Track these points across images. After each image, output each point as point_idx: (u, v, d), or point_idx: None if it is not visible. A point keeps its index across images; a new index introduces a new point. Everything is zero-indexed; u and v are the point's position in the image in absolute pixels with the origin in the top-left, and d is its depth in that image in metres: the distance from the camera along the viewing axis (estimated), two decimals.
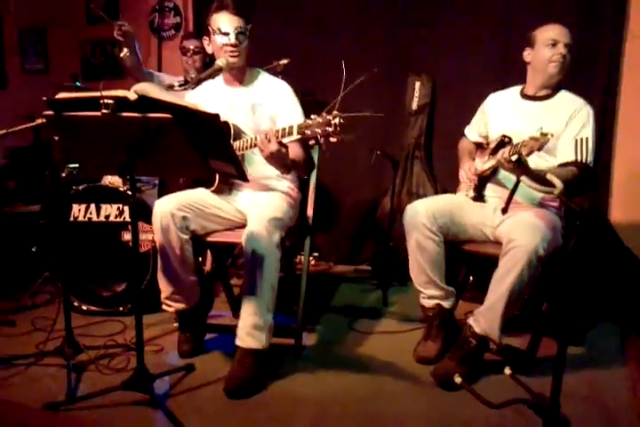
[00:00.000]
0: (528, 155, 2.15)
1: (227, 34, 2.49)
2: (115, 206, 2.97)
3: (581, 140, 2.44)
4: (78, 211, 2.98)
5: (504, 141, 2.54)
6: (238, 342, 2.38)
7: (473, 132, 2.89)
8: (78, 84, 3.14)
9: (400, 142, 3.64)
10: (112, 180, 3.07)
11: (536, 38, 2.55)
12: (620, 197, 3.35)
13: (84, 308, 3.01)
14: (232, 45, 2.50)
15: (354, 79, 2.73)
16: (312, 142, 2.24)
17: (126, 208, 2.96)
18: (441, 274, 2.57)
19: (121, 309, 2.99)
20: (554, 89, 2.59)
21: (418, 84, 3.61)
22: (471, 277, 3.00)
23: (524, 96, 2.65)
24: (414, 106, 3.63)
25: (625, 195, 3.34)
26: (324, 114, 2.17)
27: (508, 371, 2.22)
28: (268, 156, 2.34)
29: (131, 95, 1.86)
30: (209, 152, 2.01)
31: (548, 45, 2.51)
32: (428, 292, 2.61)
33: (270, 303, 2.38)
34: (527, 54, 2.59)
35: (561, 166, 2.47)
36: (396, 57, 3.66)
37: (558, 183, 1.83)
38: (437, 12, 3.55)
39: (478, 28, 3.49)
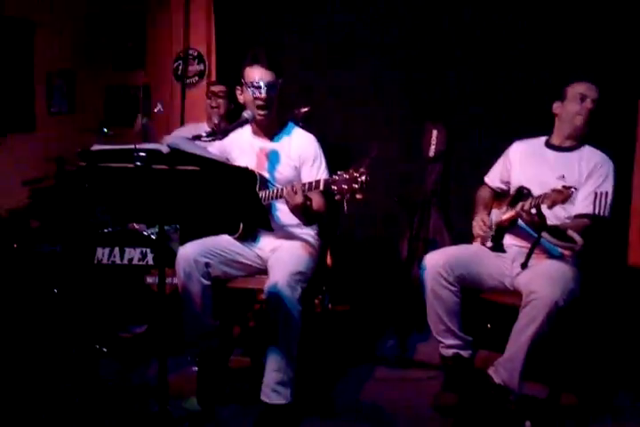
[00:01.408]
0: (551, 207, 2.19)
1: (258, 87, 2.57)
2: (138, 250, 3.03)
3: (601, 193, 2.50)
4: (102, 254, 3.04)
5: (522, 193, 2.60)
6: (264, 398, 2.42)
7: (495, 177, 2.94)
8: (105, 130, 3.22)
9: (418, 189, 3.69)
10: (137, 224, 3.14)
11: (567, 92, 2.67)
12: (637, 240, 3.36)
13: (105, 350, 3.04)
14: (262, 99, 2.58)
15: (373, 127, 2.86)
16: (338, 197, 2.28)
17: (149, 252, 3.02)
18: (459, 323, 2.59)
19: (142, 351, 3.01)
20: (578, 142, 2.67)
21: (435, 131, 3.67)
22: (489, 325, 3.01)
23: (549, 146, 2.73)
24: (431, 153, 3.69)
25: None
26: (351, 171, 2.23)
27: (528, 424, 2.22)
28: (293, 207, 2.41)
29: (163, 148, 1.93)
30: (236, 203, 2.07)
31: (576, 99, 2.61)
32: (447, 341, 2.62)
33: (293, 358, 2.41)
34: (556, 107, 2.70)
35: (577, 217, 2.52)
36: (415, 104, 3.74)
37: (579, 239, 1.87)
38: (455, 63, 3.64)
39: (495, 77, 3.56)
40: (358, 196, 2.23)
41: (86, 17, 4.40)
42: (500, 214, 2.69)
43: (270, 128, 2.72)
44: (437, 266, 2.54)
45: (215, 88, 3.69)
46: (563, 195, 2.15)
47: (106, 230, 3.07)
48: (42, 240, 3.62)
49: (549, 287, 2.30)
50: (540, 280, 2.34)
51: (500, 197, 2.91)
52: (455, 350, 2.61)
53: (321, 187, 2.32)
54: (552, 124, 2.75)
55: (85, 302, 2.95)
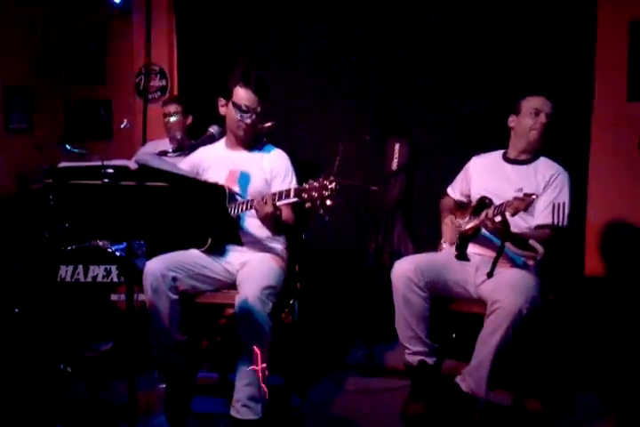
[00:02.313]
0: (513, 215, 2.26)
1: (246, 112, 2.65)
2: (102, 267, 3.00)
3: (558, 204, 2.57)
4: (65, 271, 3.00)
5: (485, 203, 2.67)
6: (234, 414, 2.41)
7: (456, 190, 3.01)
8: (68, 147, 3.19)
9: (381, 201, 3.74)
10: (99, 241, 3.10)
11: (521, 107, 2.73)
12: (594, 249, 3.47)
13: (69, 369, 2.98)
14: (247, 124, 2.67)
15: (338, 139, 2.89)
16: (308, 205, 2.32)
17: (113, 269, 2.99)
18: (426, 329, 2.63)
19: (107, 370, 2.97)
20: (534, 154, 2.75)
21: (397, 145, 3.74)
22: (454, 335, 3.06)
23: (506, 159, 2.80)
24: (394, 166, 3.75)
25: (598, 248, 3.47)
26: (320, 179, 2.28)
27: None
28: (262, 217, 2.44)
29: (131, 165, 1.93)
30: (206, 218, 2.07)
31: (531, 114, 2.69)
32: (413, 348, 2.65)
33: (264, 372, 2.40)
34: (511, 120, 2.77)
35: (538, 228, 2.59)
36: (377, 119, 3.81)
37: (540, 249, 1.94)
38: (417, 78, 3.72)
39: (455, 93, 3.66)
40: (328, 202, 2.27)
41: (43, 31, 4.35)
42: (464, 224, 2.76)
43: (244, 143, 2.78)
44: (408, 271, 2.57)
45: (168, 108, 3.69)
46: (525, 202, 2.21)
47: (69, 248, 3.03)
48: (1, 259, 3.56)
49: (513, 296, 2.36)
50: (504, 289, 2.40)
51: (461, 207, 2.98)
52: (421, 357, 2.64)
53: (291, 195, 2.36)
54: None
55: (48, 321, 2.90)
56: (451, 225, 2.84)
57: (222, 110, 2.75)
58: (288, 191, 2.39)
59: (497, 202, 2.51)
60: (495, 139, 2.96)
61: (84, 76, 4.43)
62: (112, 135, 4.36)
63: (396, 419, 2.61)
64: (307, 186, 2.33)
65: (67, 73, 4.47)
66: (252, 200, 2.51)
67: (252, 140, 2.80)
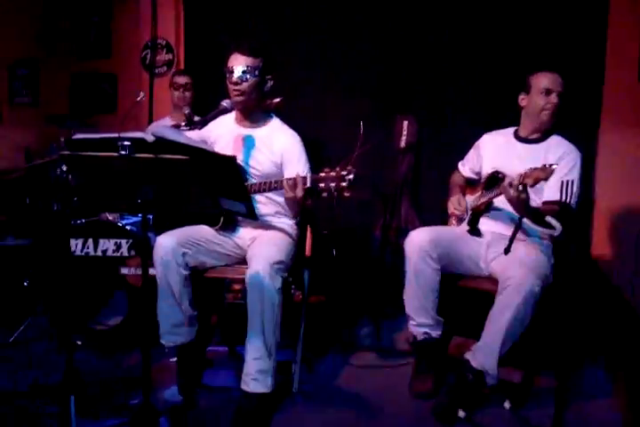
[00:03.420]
0: (533, 185, 2.24)
1: (232, 72, 2.56)
2: (112, 241, 3.00)
3: (567, 182, 2.55)
4: (75, 245, 2.99)
5: (497, 177, 2.66)
6: (244, 387, 2.42)
7: (466, 167, 3.00)
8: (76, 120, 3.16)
9: (390, 179, 3.74)
10: (110, 215, 3.10)
11: (531, 85, 2.68)
12: (601, 232, 3.48)
13: (79, 342, 3.00)
14: (233, 83, 2.56)
15: (345, 118, 2.88)
16: (324, 195, 2.28)
17: (123, 242, 2.99)
18: (434, 302, 2.63)
19: (117, 343, 2.99)
20: (546, 133, 2.72)
21: (406, 122, 3.72)
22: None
23: (518, 138, 2.78)
24: (402, 144, 3.74)
25: (606, 230, 3.47)
26: (337, 168, 2.24)
27: (507, 405, 2.29)
28: (291, 200, 2.41)
29: (148, 137, 1.92)
30: (220, 191, 2.07)
31: (542, 93, 2.63)
32: (419, 319, 2.66)
33: (274, 346, 2.43)
34: (522, 99, 2.72)
35: (545, 204, 2.59)
36: (386, 96, 3.78)
37: (558, 225, 1.93)
38: (427, 54, 3.69)
39: (465, 70, 3.63)
40: (346, 194, 2.24)
41: (47, 4, 4.29)
42: (475, 199, 2.75)
43: (251, 116, 2.70)
44: (424, 241, 2.56)
45: (180, 79, 3.66)
46: (545, 172, 2.19)
47: (79, 222, 3.02)
48: (8, 234, 3.56)
49: (525, 273, 2.36)
50: (517, 266, 2.40)
51: (471, 184, 2.98)
52: (425, 329, 2.65)
53: (308, 183, 2.32)
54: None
55: (58, 295, 2.91)
56: (456, 203, 2.83)
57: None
58: (304, 179, 2.33)
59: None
60: (504, 116, 2.92)
61: (90, 49, 4.37)
62: (116, 109, 4.33)
63: (402, 394, 2.63)
64: (323, 175, 2.28)
65: (72, 46, 4.41)
66: (275, 182, 2.46)
67: (260, 115, 2.72)
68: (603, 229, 3.45)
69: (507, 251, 2.05)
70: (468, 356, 2.47)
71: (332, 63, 3.85)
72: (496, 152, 2.81)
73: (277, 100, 3.42)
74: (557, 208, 2.55)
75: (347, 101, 3.82)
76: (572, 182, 2.58)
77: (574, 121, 3.28)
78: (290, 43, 3.89)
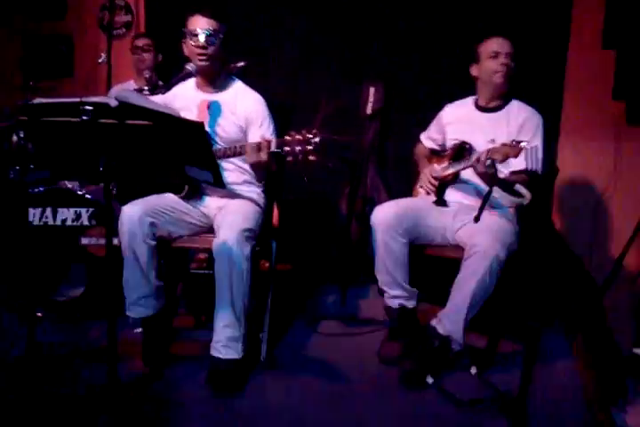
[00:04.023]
0: (502, 161, 2.24)
1: (196, 35, 2.48)
2: (72, 210, 2.90)
3: (531, 148, 2.55)
4: (33, 215, 2.89)
5: (464, 147, 2.66)
6: (215, 354, 2.41)
7: (429, 139, 2.99)
8: (31, 83, 3.02)
9: (356, 146, 3.71)
10: (69, 182, 2.99)
11: (479, 53, 2.68)
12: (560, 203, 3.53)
13: (39, 315, 2.92)
14: (200, 47, 2.49)
15: (309, 82, 2.83)
16: (290, 159, 2.25)
17: (84, 212, 2.90)
18: (405, 275, 2.64)
19: (79, 315, 2.93)
20: (504, 99, 2.72)
21: (372, 89, 3.67)
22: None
23: (478, 107, 2.77)
24: (369, 110, 3.70)
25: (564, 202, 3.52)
26: (303, 131, 2.20)
27: (474, 370, 2.33)
28: (255, 164, 2.36)
29: (111, 102, 1.84)
30: (187, 159, 2.00)
31: (490, 57, 2.64)
32: (393, 292, 2.67)
33: (243, 314, 2.41)
34: (473, 69, 2.73)
35: (514, 173, 2.59)
36: (352, 62, 3.72)
37: (527, 194, 1.94)
38: (393, 20, 3.63)
39: (432, 36, 3.59)
40: (312, 157, 2.21)
41: None
42: (442, 170, 2.75)
43: (215, 82, 2.63)
44: (389, 218, 2.56)
45: (139, 42, 3.54)
46: (514, 150, 2.20)
47: (37, 190, 2.91)
48: None
49: (491, 241, 2.38)
50: (483, 234, 2.42)
51: (437, 154, 2.97)
52: (400, 301, 2.67)
53: (273, 147, 2.28)
54: None
55: (17, 266, 2.82)
56: (428, 175, 2.82)
57: (185, 51, 2.58)
58: (269, 143, 2.29)
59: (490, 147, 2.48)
60: (472, 85, 2.91)
61: (43, 9, 4.16)
62: (72, 73, 4.17)
63: (369, 361, 2.65)
64: (289, 138, 2.24)
65: (24, 7, 4.18)
66: (240, 146, 2.41)
67: (223, 79, 2.65)
68: (562, 200, 3.50)
69: (477, 219, 2.06)
70: (434, 322, 2.50)
71: (300, 29, 3.76)
72: (458, 123, 2.80)
73: (241, 64, 3.34)
74: (526, 177, 2.56)
75: (316, 67, 3.74)
76: (537, 149, 2.59)
77: (538, 92, 3.32)
78: (260, 8, 3.78)
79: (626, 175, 3.34)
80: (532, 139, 2.60)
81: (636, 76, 3.05)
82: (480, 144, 2.58)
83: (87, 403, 2.15)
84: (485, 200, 2.03)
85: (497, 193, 1.96)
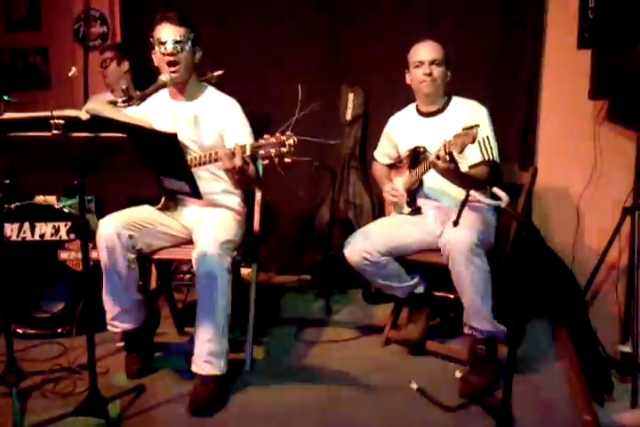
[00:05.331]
0: (461, 151, 2.23)
1: (164, 43, 2.46)
2: (50, 225, 2.87)
3: (483, 139, 2.53)
4: (11, 230, 2.85)
5: (419, 151, 2.65)
6: (196, 370, 2.36)
7: (383, 155, 3.00)
8: (6, 98, 2.98)
9: (336, 152, 3.70)
10: (45, 197, 2.96)
11: (408, 61, 2.68)
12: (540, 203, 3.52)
13: (20, 331, 2.87)
14: (168, 54, 2.46)
15: (292, 90, 2.82)
16: (266, 162, 2.24)
17: (62, 226, 2.87)
18: (402, 275, 2.68)
19: (59, 330, 2.89)
20: (444, 101, 2.71)
21: (351, 95, 3.68)
22: None
23: (420, 113, 2.77)
24: (348, 116, 3.70)
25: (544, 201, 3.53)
26: (277, 134, 2.19)
27: (459, 374, 2.33)
28: (230, 170, 2.31)
29: (82, 115, 1.82)
30: (162, 170, 1.99)
31: (415, 67, 2.64)
32: (399, 290, 2.72)
33: (225, 328, 2.37)
34: (407, 78, 2.72)
35: (472, 167, 2.58)
36: (330, 68, 3.71)
37: (504, 196, 1.94)
38: (370, 24, 3.63)
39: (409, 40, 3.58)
40: (287, 160, 2.19)
41: None
42: (406, 180, 2.75)
43: (187, 90, 2.60)
44: (362, 253, 2.56)
45: (103, 56, 3.53)
46: (469, 135, 2.17)
47: (12, 205, 2.87)
48: None
49: (456, 232, 2.32)
50: (451, 230, 2.34)
51: (394, 167, 2.99)
52: (408, 290, 2.72)
53: (247, 151, 2.25)
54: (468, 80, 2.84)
55: None
56: (392, 191, 2.83)
57: (155, 61, 2.55)
58: (243, 147, 2.27)
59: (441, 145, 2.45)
60: (454, 85, 2.90)
61: (18, 21, 4.12)
62: (49, 85, 4.13)
63: (355, 367, 2.63)
64: (263, 142, 2.23)
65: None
66: (215, 153, 2.39)
67: (194, 87, 2.62)
68: (542, 200, 3.50)
69: (456, 223, 2.05)
70: (466, 331, 2.47)
71: (278, 33, 3.74)
72: (406, 132, 2.80)
73: (219, 72, 3.32)
74: (487, 168, 2.56)
75: (291, 70, 3.72)
76: (488, 138, 2.56)
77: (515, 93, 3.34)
78: (236, 13, 3.76)
79: (606, 173, 3.35)
80: (482, 130, 2.48)
81: (616, 74, 3.03)
82: (434, 147, 2.52)
83: (68, 418, 2.11)
84: (463, 205, 2.02)
85: (475, 196, 1.95)
